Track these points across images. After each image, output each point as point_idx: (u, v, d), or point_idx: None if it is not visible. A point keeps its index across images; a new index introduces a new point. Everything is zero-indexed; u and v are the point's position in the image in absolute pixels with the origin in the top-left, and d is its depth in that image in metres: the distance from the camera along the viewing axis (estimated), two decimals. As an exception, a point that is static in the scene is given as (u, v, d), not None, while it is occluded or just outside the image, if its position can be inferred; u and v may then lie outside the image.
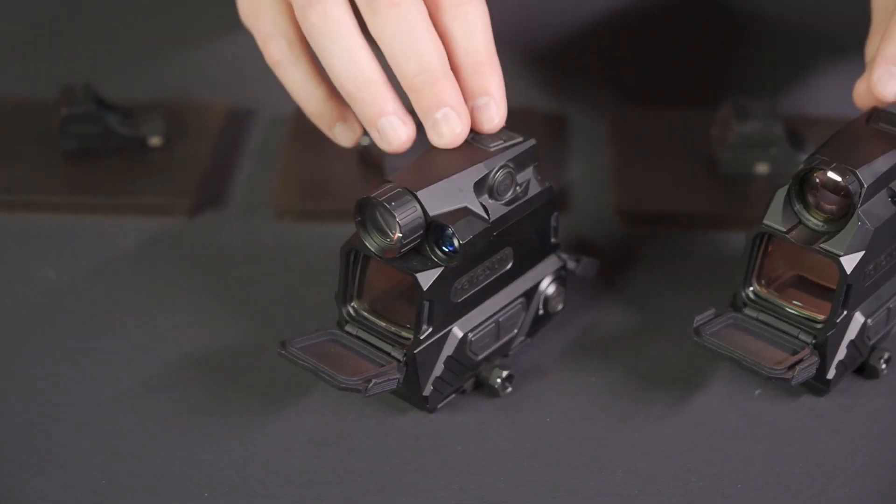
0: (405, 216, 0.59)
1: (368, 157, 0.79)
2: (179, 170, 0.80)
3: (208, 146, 0.82)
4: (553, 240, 0.66)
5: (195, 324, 0.69)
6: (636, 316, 0.70)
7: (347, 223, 0.75)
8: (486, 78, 0.64)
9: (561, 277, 0.67)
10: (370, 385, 0.59)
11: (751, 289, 0.64)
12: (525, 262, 0.65)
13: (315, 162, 0.80)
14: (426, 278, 0.60)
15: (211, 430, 0.63)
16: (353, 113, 0.69)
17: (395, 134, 0.63)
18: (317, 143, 0.81)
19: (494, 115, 0.64)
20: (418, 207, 0.59)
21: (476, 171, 0.61)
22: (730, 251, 0.74)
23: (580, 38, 0.91)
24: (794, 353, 0.62)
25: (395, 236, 0.59)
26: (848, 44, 0.89)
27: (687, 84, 0.88)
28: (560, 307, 0.68)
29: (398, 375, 0.61)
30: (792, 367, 0.60)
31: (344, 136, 0.70)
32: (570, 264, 0.67)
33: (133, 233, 0.76)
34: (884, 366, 0.65)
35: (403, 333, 0.62)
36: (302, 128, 0.83)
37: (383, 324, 0.63)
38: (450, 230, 0.59)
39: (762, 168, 0.77)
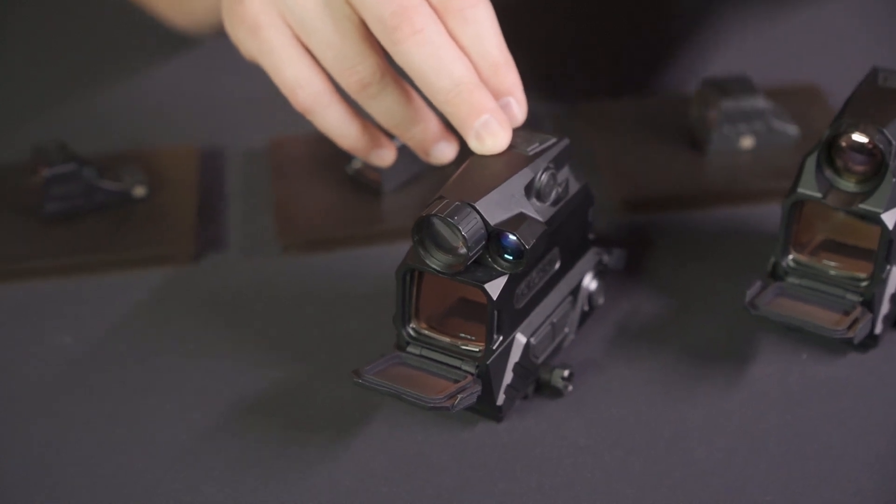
0: (469, 228, 0.59)
1: (361, 180, 0.79)
2: (170, 217, 0.78)
3: (191, 190, 0.80)
4: (591, 235, 0.67)
5: (234, 368, 0.68)
6: (668, 298, 0.71)
7: (356, 248, 0.76)
8: (505, 77, 0.65)
9: (600, 272, 0.68)
10: (456, 401, 0.59)
11: (790, 257, 0.66)
12: (569, 261, 0.66)
13: (308, 192, 0.80)
14: (494, 287, 0.60)
15: (284, 472, 0.62)
16: (385, 136, 0.70)
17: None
18: (303, 173, 0.81)
19: (517, 112, 0.66)
20: (479, 218, 0.59)
21: (523, 176, 0.62)
22: (735, 225, 0.76)
23: (537, 34, 0.93)
24: (846, 312, 0.64)
25: (461, 250, 0.59)
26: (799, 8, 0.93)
27: (648, 71, 0.90)
28: (601, 301, 0.69)
29: (478, 388, 0.61)
30: (851, 325, 0.62)
31: (381, 159, 0.72)
32: (605, 258, 0.68)
33: (141, 286, 0.74)
34: (917, 314, 0.67)
35: (468, 346, 0.63)
36: (282, 160, 0.83)
37: (448, 339, 0.63)
38: (514, 237, 0.59)
39: (747, 142, 0.80)
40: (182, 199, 0.80)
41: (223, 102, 0.89)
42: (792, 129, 0.80)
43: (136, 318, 0.72)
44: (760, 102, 0.79)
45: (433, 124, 0.69)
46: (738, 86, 0.79)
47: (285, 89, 0.68)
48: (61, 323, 0.72)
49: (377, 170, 0.77)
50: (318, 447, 0.63)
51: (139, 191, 0.79)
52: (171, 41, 0.93)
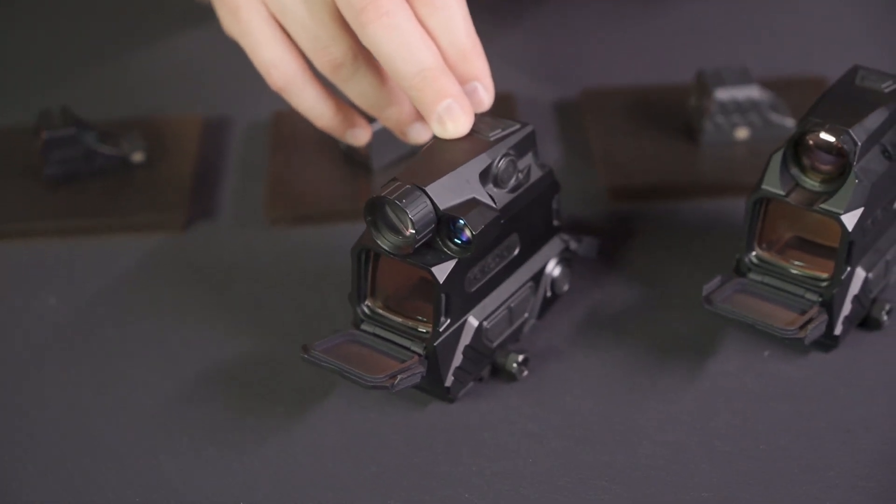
0: (417, 212, 0.59)
1: (354, 156, 0.80)
2: (166, 185, 0.80)
3: (190, 159, 0.82)
4: (555, 222, 0.67)
5: (208, 338, 0.70)
6: (641, 289, 0.71)
7: (342, 224, 0.77)
8: (472, 64, 0.66)
9: (566, 259, 0.68)
10: (396, 381, 0.60)
11: (753, 253, 0.66)
12: (531, 247, 0.66)
13: (301, 166, 0.81)
14: (441, 271, 0.61)
15: (239, 442, 0.64)
16: (360, 115, 0.71)
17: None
18: (299, 147, 0.82)
19: (484, 98, 0.66)
20: (428, 202, 0.60)
21: (480, 162, 0.62)
22: (721, 218, 0.75)
23: (545, 18, 0.93)
24: (803, 312, 0.63)
25: (409, 232, 0.60)
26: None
27: (648, 58, 0.89)
28: (566, 288, 0.69)
29: (422, 369, 0.62)
30: (804, 326, 0.62)
31: (355, 139, 0.73)
32: (573, 245, 0.69)
33: (129, 252, 0.76)
34: (886, 317, 0.66)
35: (420, 328, 0.63)
36: (282, 134, 0.84)
37: (399, 319, 0.64)
38: (462, 222, 0.60)
39: (742, 133, 0.79)
40: (180, 167, 0.81)
41: (236, 73, 0.90)
42: (789, 122, 0.79)
43: (120, 283, 0.74)
44: (756, 93, 0.78)
45: (408, 105, 0.70)
46: (735, 76, 0.79)
47: (261, 69, 0.70)
48: (49, 284, 0.74)
49: (368, 146, 0.78)
50: (276, 419, 0.65)
51: (137, 157, 0.81)
52: (190, 10, 0.95)
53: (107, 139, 0.80)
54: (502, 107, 0.83)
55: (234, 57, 0.91)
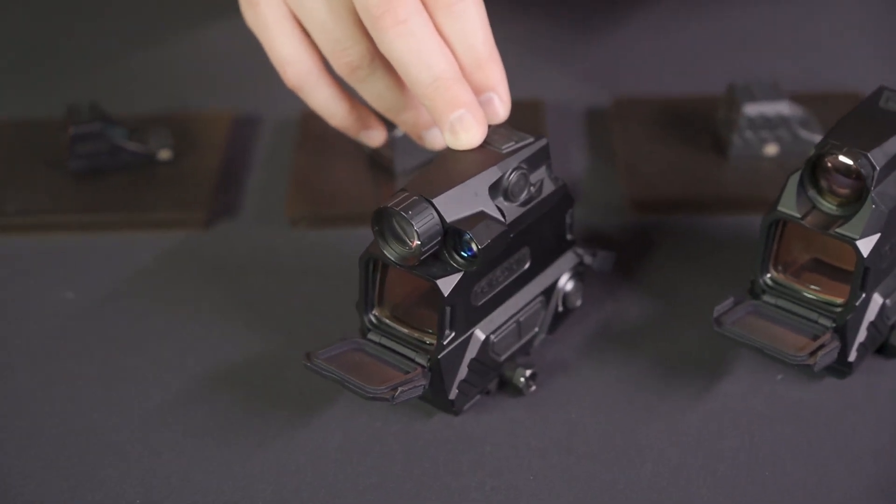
0: (422, 224, 0.59)
1: (378, 160, 0.80)
2: (190, 182, 0.80)
3: (217, 156, 0.82)
4: (568, 236, 0.67)
5: (219, 337, 0.70)
6: (655, 305, 0.70)
7: (362, 227, 0.76)
8: (488, 73, 0.65)
9: (578, 273, 0.67)
10: (397, 393, 0.60)
11: (768, 275, 0.65)
12: (542, 261, 0.66)
13: (325, 167, 0.81)
14: (446, 284, 0.60)
15: (242, 444, 0.64)
16: (375, 117, 0.71)
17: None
18: (325, 148, 0.82)
19: (499, 108, 0.65)
20: (435, 214, 0.59)
21: (490, 175, 0.61)
22: (744, 234, 0.74)
23: (576, 25, 0.92)
24: (815, 337, 0.62)
25: (414, 244, 0.60)
26: (844, 13, 0.91)
27: (684, 67, 0.88)
28: (579, 303, 0.68)
29: (424, 381, 0.61)
30: (814, 352, 0.61)
31: (370, 140, 0.74)
32: (587, 259, 0.68)
33: (149, 248, 0.76)
34: (904, 344, 0.65)
35: (426, 339, 0.63)
36: (310, 133, 0.84)
37: (406, 330, 0.63)
38: (468, 235, 0.59)
39: (771, 149, 0.78)
40: (205, 164, 0.81)
41: (269, 69, 0.90)
42: (819, 139, 0.77)
43: (138, 280, 0.74)
44: (786, 109, 0.77)
45: (424, 110, 0.69)
46: (765, 91, 0.77)
47: (276, 65, 0.70)
48: (67, 278, 0.75)
49: (391, 150, 0.78)
50: (279, 423, 0.65)
51: (164, 154, 0.81)
52: (226, 5, 0.95)
53: (135, 136, 0.81)
54: (531, 113, 0.82)
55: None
